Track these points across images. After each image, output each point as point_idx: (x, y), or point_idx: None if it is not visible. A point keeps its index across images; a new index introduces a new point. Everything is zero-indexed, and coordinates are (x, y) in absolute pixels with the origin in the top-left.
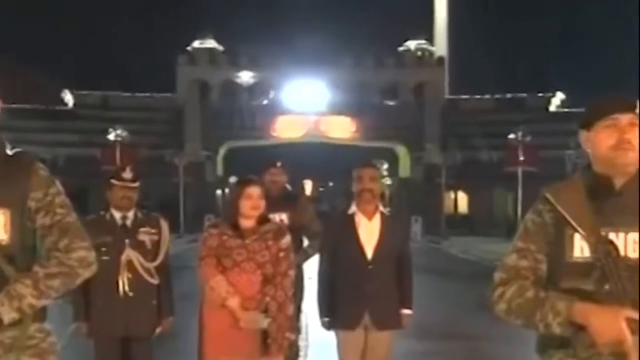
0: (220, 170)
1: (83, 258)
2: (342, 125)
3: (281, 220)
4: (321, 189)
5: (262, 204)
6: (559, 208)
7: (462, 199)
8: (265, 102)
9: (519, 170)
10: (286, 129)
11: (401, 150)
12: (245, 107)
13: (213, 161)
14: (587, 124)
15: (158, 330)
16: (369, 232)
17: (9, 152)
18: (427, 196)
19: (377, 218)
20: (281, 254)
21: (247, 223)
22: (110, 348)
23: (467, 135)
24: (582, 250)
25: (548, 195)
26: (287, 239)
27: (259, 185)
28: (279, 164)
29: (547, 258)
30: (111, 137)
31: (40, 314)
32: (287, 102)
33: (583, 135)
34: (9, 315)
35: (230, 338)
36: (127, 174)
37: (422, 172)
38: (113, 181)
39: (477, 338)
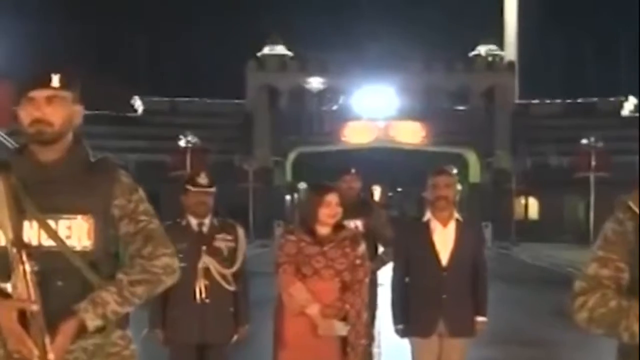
0: (289, 175)
1: (167, 265)
2: (412, 130)
3: (356, 227)
4: (390, 195)
5: (340, 211)
6: None
7: (532, 205)
8: (334, 107)
9: (591, 176)
10: (355, 135)
11: (471, 156)
12: (315, 113)
13: (282, 166)
14: None
15: (234, 337)
16: (444, 238)
17: (92, 159)
18: (497, 202)
19: (452, 225)
20: (358, 261)
21: (323, 230)
22: (186, 355)
23: (537, 140)
24: None
25: (630, 204)
26: (363, 246)
27: (337, 192)
28: (353, 170)
29: (629, 267)
30: (182, 143)
31: (123, 321)
32: (356, 107)
33: None
34: (94, 322)
35: (309, 346)
36: (203, 179)
37: (492, 178)
38: (188, 187)
39: (549, 345)
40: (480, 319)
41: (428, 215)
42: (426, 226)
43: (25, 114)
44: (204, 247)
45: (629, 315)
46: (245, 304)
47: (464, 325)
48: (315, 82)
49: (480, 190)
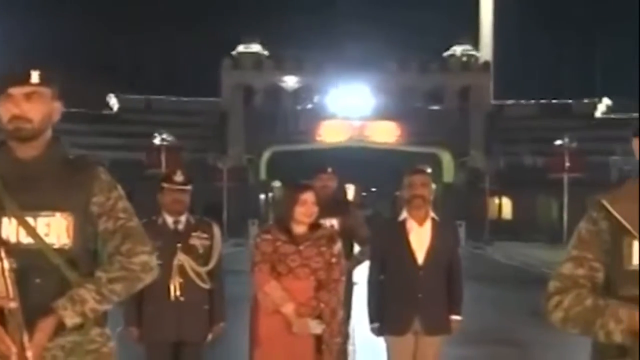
0: (263, 174)
1: (145, 262)
2: (387, 130)
3: (331, 226)
4: (364, 194)
5: (316, 210)
6: (617, 216)
7: (506, 205)
8: (309, 106)
9: (565, 177)
10: (330, 134)
11: (445, 156)
12: (290, 112)
13: (256, 165)
14: None
15: (210, 335)
16: (420, 238)
17: (71, 156)
18: (471, 201)
19: (428, 224)
20: (333, 260)
21: (299, 229)
22: (162, 353)
23: (511, 140)
24: None
25: (605, 203)
26: (339, 245)
27: (313, 191)
28: (329, 169)
29: (603, 266)
30: (157, 141)
31: (101, 319)
32: (331, 106)
33: (637, 143)
34: (72, 320)
35: (283, 344)
36: (179, 177)
37: (466, 178)
38: (164, 185)
39: (524, 344)
40: (455, 317)
41: (404, 214)
42: (402, 225)
43: (4, 111)
44: (179, 245)
45: (605, 314)
46: (221, 302)
47: (439, 324)
48: (290, 81)
49: (454, 190)
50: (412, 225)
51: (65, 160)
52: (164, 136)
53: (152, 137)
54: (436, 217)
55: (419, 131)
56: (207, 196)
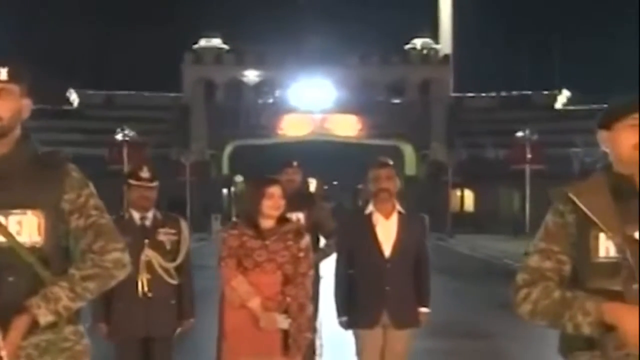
0: (226, 168)
1: (118, 260)
2: (348, 123)
3: (298, 220)
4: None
5: (283, 203)
6: (583, 208)
7: (468, 197)
8: (271, 100)
9: (527, 168)
10: (292, 128)
11: (407, 148)
12: (251, 106)
13: (219, 160)
14: (607, 124)
15: (178, 330)
16: (386, 231)
17: (40, 153)
18: (433, 194)
19: (394, 217)
20: (301, 254)
21: (267, 223)
22: (131, 349)
23: (472, 133)
24: (607, 250)
25: (571, 195)
26: (306, 239)
27: (280, 185)
28: (295, 163)
29: (570, 259)
30: (119, 136)
31: (75, 316)
32: (293, 100)
33: (603, 134)
34: (46, 318)
35: (250, 338)
36: (145, 174)
37: (427, 170)
38: (131, 181)
39: (489, 336)
40: (423, 310)
41: (370, 208)
42: (369, 218)
43: None
44: (146, 241)
45: (573, 307)
46: (190, 297)
47: (407, 317)
48: (251, 75)
49: (416, 183)
50: (378, 219)
51: (36, 157)
52: (126, 132)
53: (113, 132)
54: (402, 210)
55: (381, 124)
56: (170, 191)
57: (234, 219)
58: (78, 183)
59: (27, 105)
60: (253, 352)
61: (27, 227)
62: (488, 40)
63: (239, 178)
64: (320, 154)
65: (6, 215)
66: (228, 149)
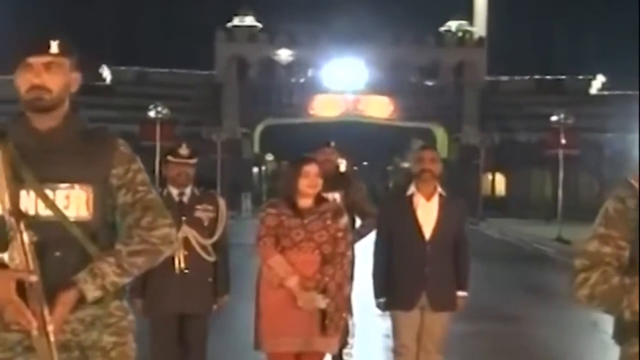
0: (257, 147)
1: (166, 235)
2: (381, 105)
3: (334, 200)
4: (355, 169)
5: (320, 182)
6: None
7: (500, 181)
8: (303, 80)
9: (560, 153)
10: (324, 108)
11: (439, 131)
12: (283, 85)
13: (250, 138)
14: None
15: (214, 308)
16: (427, 213)
17: (89, 128)
18: (465, 178)
19: (435, 199)
20: (339, 234)
21: (305, 202)
22: (166, 325)
23: (505, 117)
24: None
25: (632, 181)
26: (345, 219)
27: (316, 163)
28: (332, 143)
29: (630, 245)
30: (151, 113)
31: (120, 292)
32: (325, 80)
33: None
34: (93, 294)
35: (288, 317)
36: (184, 151)
37: (459, 154)
38: (170, 158)
39: (518, 320)
40: (461, 293)
41: (412, 189)
42: (409, 200)
43: (23, 80)
44: (184, 218)
45: (631, 293)
46: (226, 274)
47: (445, 300)
48: (284, 54)
49: (447, 166)
50: (419, 200)
51: (84, 131)
52: (159, 109)
53: (145, 109)
54: (443, 193)
55: (413, 106)
56: (201, 169)
57: (264, 197)
58: (126, 158)
59: (76, 79)
60: (291, 331)
61: (74, 202)
62: (523, 23)
63: (269, 157)
64: (350, 135)
65: (54, 190)
66: (259, 128)
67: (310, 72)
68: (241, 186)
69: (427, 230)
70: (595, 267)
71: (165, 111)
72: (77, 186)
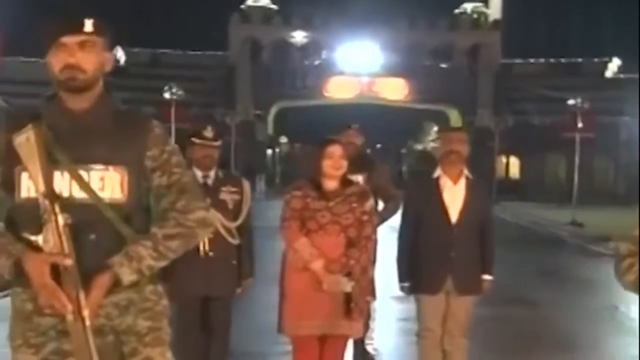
0: (270, 129)
1: (202, 219)
2: (395, 87)
3: (357, 183)
4: (368, 151)
5: (344, 163)
6: None
7: (514, 164)
8: (317, 62)
9: (577, 137)
10: (338, 90)
11: (453, 114)
12: (298, 67)
13: (264, 120)
14: None
15: (238, 291)
16: (453, 196)
17: (122, 109)
18: (479, 160)
19: (462, 182)
20: (365, 217)
21: (330, 184)
22: (191, 308)
23: (520, 99)
24: None
25: None
26: (370, 202)
27: (340, 144)
28: (355, 125)
29: None
30: (166, 95)
31: (155, 276)
32: (339, 62)
33: None
34: (129, 277)
35: (313, 300)
36: (209, 133)
37: (473, 136)
38: (195, 140)
39: (533, 304)
40: (486, 277)
41: (438, 171)
42: (436, 182)
43: (57, 60)
44: (208, 200)
45: None
46: (250, 257)
47: (471, 284)
48: (299, 36)
49: None
50: (446, 183)
51: (118, 112)
52: (174, 90)
53: (159, 91)
54: (470, 176)
55: (427, 88)
56: None
57: (277, 180)
58: (161, 140)
59: (109, 59)
60: (315, 314)
61: (109, 184)
62: (538, 6)
63: (283, 139)
64: (364, 117)
65: (88, 171)
66: (273, 110)
67: (324, 55)
68: (255, 168)
69: (454, 214)
70: None
71: (180, 92)
72: (111, 168)
